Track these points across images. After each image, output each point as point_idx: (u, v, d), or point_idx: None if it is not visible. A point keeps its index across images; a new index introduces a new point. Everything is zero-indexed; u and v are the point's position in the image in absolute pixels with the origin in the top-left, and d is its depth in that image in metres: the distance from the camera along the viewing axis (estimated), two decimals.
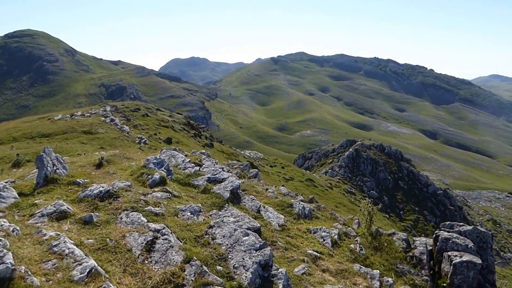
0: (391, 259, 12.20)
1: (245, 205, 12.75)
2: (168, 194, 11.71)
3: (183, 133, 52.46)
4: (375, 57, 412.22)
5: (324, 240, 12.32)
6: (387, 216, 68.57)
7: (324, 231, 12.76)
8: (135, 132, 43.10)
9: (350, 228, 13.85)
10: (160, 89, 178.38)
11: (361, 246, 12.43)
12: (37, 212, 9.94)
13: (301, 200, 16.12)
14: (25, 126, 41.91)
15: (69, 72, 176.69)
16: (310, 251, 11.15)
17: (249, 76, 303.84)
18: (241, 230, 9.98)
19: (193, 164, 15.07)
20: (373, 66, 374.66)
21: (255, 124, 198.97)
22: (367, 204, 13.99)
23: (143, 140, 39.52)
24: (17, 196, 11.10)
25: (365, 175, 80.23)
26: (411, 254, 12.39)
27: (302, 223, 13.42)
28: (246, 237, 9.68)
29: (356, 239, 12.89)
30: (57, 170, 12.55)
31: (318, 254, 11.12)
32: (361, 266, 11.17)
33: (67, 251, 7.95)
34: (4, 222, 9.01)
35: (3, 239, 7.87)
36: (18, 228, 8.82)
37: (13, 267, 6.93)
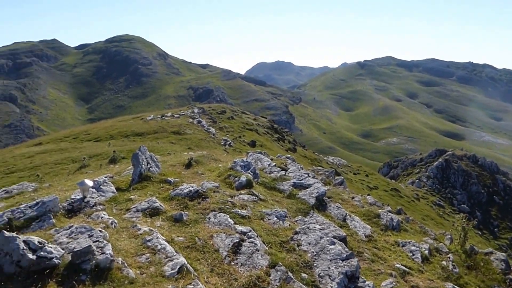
0: (487, 281, 11.36)
1: (330, 212, 12.55)
2: (254, 197, 11.85)
3: (267, 137, 53.01)
4: (469, 62, 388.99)
5: (413, 254, 11.77)
6: (480, 233, 64.22)
7: (414, 245, 12.20)
8: (221, 134, 44.28)
9: (441, 243, 13.11)
10: (245, 92, 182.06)
11: (454, 264, 11.71)
12: (132, 207, 10.50)
13: (389, 211, 15.56)
14: (120, 125, 44.71)
15: (161, 75, 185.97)
16: (398, 265, 10.69)
17: (334, 81, 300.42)
18: (327, 238, 9.83)
19: (278, 168, 15.14)
20: (467, 71, 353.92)
21: (338, 129, 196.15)
22: (461, 220, 13.16)
23: (228, 142, 40.46)
24: (115, 190, 11.82)
25: (455, 188, 75.88)
26: (511, 277, 11.46)
27: (390, 235, 12.93)
28: (332, 246, 9.50)
29: (448, 256, 12.17)
30: (150, 168, 13.20)
31: (407, 269, 10.62)
32: (454, 286, 10.51)
33: (159, 246, 8.30)
34: (104, 214, 9.63)
35: (103, 230, 8.41)
36: (116, 221, 9.38)
37: (112, 258, 7.37)
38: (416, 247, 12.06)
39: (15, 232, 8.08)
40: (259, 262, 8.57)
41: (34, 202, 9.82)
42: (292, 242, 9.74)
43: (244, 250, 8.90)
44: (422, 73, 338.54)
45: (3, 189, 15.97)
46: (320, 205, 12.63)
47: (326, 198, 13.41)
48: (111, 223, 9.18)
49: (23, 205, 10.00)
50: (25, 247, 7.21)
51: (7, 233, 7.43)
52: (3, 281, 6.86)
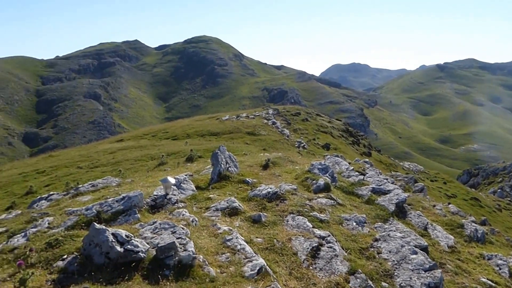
0: None
1: (411, 220, 12.00)
2: (332, 201, 11.60)
3: (341, 140, 52.07)
4: None
5: (500, 269, 10.98)
6: None
7: (501, 259, 11.38)
8: (295, 136, 44.10)
9: None
10: (319, 94, 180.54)
11: None
12: (212, 206, 10.65)
13: (473, 221, 14.68)
14: (197, 124, 45.89)
15: (236, 76, 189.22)
16: (483, 280, 10.00)
17: (411, 84, 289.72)
18: (409, 247, 9.39)
19: (356, 173, 14.75)
20: None
21: (415, 134, 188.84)
22: None
23: (302, 145, 40.20)
24: (194, 189, 12.07)
25: None
26: None
27: (474, 247, 12.16)
28: (414, 256, 9.07)
29: None
30: (229, 168, 13.35)
31: (494, 284, 9.92)
32: None
33: (239, 246, 8.32)
34: (185, 212, 9.84)
35: (185, 228, 8.58)
36: (196, 219, 9.55)
37: (194, 255, 7.48)
38: (503, 261, 11.27)
39: (103, 224, 8.46)
40: (338, 268, 8.35)
41: (121, 196, 10.24)
42: (372, 249, 9.41)
43: (323, 255, 8.72)
44: (507, 77, 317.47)
45: (89, 182, 16.90)
46: (400, 212, 12.14)
47: (406, 205, 12.87)
48: (192, 221, 9.35)
49: (110, 199, 10.46)
50: (113, 240, 7.51)
51: (97, 225, 7.78)
52: (93, 271, 7.18)
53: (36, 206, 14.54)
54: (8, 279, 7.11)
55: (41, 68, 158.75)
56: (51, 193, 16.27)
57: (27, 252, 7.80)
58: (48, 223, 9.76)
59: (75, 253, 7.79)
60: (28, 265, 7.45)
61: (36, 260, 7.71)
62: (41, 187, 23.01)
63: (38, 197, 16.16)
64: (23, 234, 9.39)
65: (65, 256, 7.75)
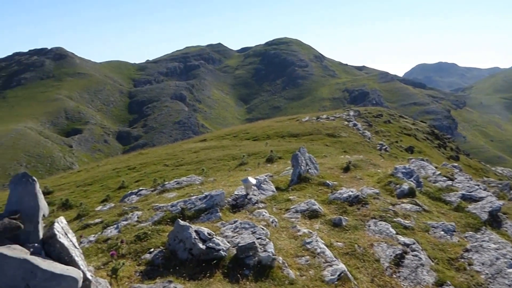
0: None
1: (506, 231, 11.17)
2: (417, 207, 11.12)
3: (426, 143, 49.83)
4: None
5: None
6: None
7: None
8: (376, 138, 42.92)
9: None
10: (403, 95, 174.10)
11: None
12: (291, 207, 10.66)
13: None
14: (277, 126, 46.20)
15: (317, 77, 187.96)
16: None
17: (505, 83, 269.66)
18: (505, 260, 8.76)
19: (444, 178, 14.01)
20: None
21: (509, 137, 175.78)
22: None
23: (384, 147, 39.01)
24: (274, 189, 12.15)
25: None
26: None
27: None
28: (511, 270, 8.43)
29: None
30: (309, 170, 13.29)
31: None
32: None
33: (318, 250, 8.25)
34: (265, 212, 9.94)
35: (265, 228, 8.66)
36: (276, 220, 9.61)
37: (273, 257, 7.53)
38: None
39: (187, 221, 8.79)
40: (424, 278, 7.99)
41: (203, 195, 10.58)
42: (462, 260, 8.89)
43: (407, 263, 8.39)
44: None
45: (175, 180, 17.63)
46: (494, 221, 11.33)
47: (501, 214, 11.99)
48: (272, 222, 9.42)
49: (194, 197, 10.85)
50: (196, 237, 7.77)
51: (181, 222, 8.10)
52: (177, 266, 7.49)
53: (127, 200, 15.44)
54: (102, 267, 7.62)
55: (134, 72, 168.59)
56: (140, 188, 17.19)
57: (119, 243, 8.31)
58: (138, 217, 10.33)
59: (161, 247, 8.18)
60: (119, 256, 7.94)
61: (126, 251, 8.20)
62: (131, 182, 24.36)
63: (129, 191, 17.14)
64: (115, 226, 10.02)
65: (152, 250, 8.16)
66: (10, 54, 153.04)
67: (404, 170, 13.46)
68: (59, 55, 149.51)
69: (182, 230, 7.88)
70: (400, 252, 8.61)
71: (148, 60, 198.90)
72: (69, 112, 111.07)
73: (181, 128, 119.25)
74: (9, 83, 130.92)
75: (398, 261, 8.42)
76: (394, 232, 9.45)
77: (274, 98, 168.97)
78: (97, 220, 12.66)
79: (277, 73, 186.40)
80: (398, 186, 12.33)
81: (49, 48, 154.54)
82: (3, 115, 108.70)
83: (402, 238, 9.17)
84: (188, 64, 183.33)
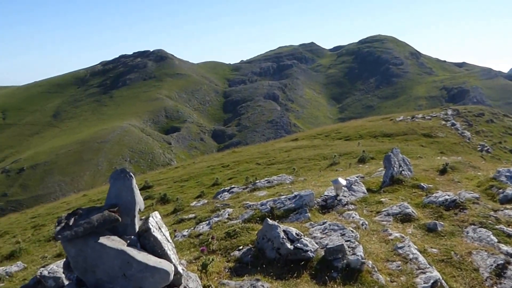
0: None
1: None
2: None
3: None
4: None
5: None
6: None
7: None
8: (477, 138, 40.12)
9: None
10: (508, 92, 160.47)
11: None
12: (383, 210, 10.30)
13: None
14: (369, 125, 44.95)
15: (412, 75, 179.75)
16: None
17: None
18: None
19: None
20: None
21: None
22: None
23: (486, 148, 36.37)
24: (365, 191, 11.82)
25: None
26: None
27: None
28: None
29: None
30: (402, 172, 12.75)
31: None
32: None
33: (411, 255, 7.88)
34: (355, 214, 9.71)
35: (354, 231, 8.46)
36: (366, 222, 9.34)
37: (362, 260, 7.33)
38: None
39: (276, 220, 8.84)
40: None
41: (293, 194, 10.58)
42: None
43: (510, 275, 7.72)
44: None
45: (266, 178, 17.86)
46: None
47: None
48: (362, 224, 9.17)
49: (283, 196, 10.89)
50: (284, 237, 7.79)
51: (270, 221, 8.16)
52: (265, 264, 7.56)
53: (220, 197, 15.92)
54: (194, 261, 7.93)
55: (228, 72, 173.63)
56: (233, 186, 17.65)
57: (210, 239, 8.60)
58: (228, 214, 10.61)
59: (249, 245, 8.32)
60: (210, 251, 8.21)
61: (216, 247, 8.46)
62: (225, 180, 25.08)
63: (222, 189, 17.67)
64: (207, 222, 10.38)
65: (241, 247, 8.33)
66: (117, 56, 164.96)
67: (508, 174, 12.40)
68: (160, 57, 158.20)
69: (270, 229, 7.95)
70: (502, 262, 7.95)
71: (242, 60, 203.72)
72: (168, 111, 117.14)
73: (274, 127, 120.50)
74: (116, 84, 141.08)
75: (499, 271, 7.77)
76: (496, 240, 8.74)
77: (367, 97, 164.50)
78: (191, 215, 13.22)
79: (371, 71, 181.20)
80: (501, 190, 11.39)
81: (151, 50, 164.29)
82: (111, 113, 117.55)
83: (504, 247, 8.45)
84: (281, 64, 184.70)
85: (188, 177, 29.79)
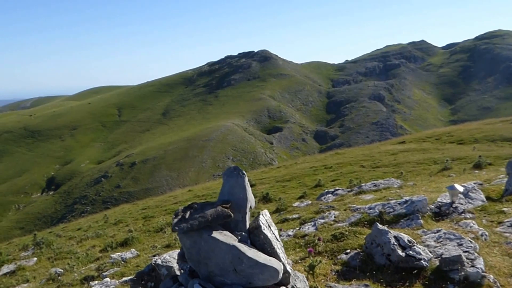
0: None
1: None
2: None
3: None
4: None
5: None
6: None
7: None
8: None
9: None
10: None
11: None
12: (505, 221, 9.41)
13: None
14: (486, 128, 41.62)
15: None
16: None
17: None
18: None
19: None
20: None
21: None
22: None
23: None
24: (484, 199, 10.91)
25: None
26: None
27: None
28: None
29: None
30: None
31: None
32: None
33: None
34: (473, 224, 8.99)
35: (473, 241, 7.82)
36: (486, 233, 8.60)
37: (483, 274, 6.75)
38: None
39: (385, 226, 8.49)
40: None
41: (403, 199, 10.09)
42: None
43: None
44: None
45: (372, 182, 17.30)
46: None
47: None
48: (481, 235, 8.46)
49: (393, 201, 10.43)
50: (395, 243, 7.44)
51: (380, 226, 7.85)
52: (374, 270, 7.29)
53: (323, 198, 15.75)
54: (299, 261, 7.89)
55: (332, 72, 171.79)
56: (337, 188, 17.37)
57: (316, 241, 8.50)
58: (334, 217, 10.42)
59: (357, 249, 8.08)
60: (316, 253, 8.11)
61: (322, 249, 8.34)
62: (327, 181, 24.80)
63: (325, 190, 17.47)
64: (312, 223, 10.29)
65: (348, 250, 8.12)
66: (223, 57, 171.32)
67: None
68: (264, 57, 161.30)
69: (380, 235, 7.65)
70: None
71: (347, 60, 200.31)
72: (271, 111, 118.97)
73: (378, 129, 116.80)
74: (221, 84, 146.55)
75: None
76: None
77: (484, 97, 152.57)
78: (294, 216, 13.23)
79: (488, 70, 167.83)
80: None
81: (255, 51, 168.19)
82: (215, 112, 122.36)
83: None
84: (388, 63, 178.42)
85: (290, 177, 29.91)
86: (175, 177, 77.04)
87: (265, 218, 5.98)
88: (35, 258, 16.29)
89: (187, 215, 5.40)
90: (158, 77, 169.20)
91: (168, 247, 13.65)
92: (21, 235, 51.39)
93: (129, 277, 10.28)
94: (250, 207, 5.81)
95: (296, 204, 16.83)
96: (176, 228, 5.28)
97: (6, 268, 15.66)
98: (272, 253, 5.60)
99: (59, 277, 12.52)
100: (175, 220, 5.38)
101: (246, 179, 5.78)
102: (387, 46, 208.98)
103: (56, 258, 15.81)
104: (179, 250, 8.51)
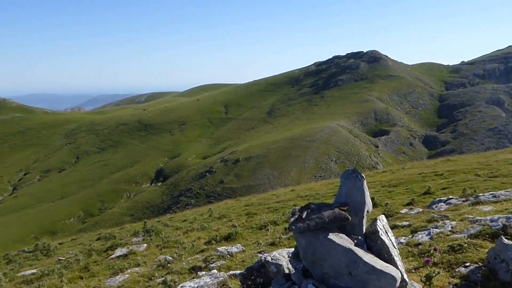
0: None
1: None
2: None
3: None
4: None
5: None
6: None
7: None
8: None
9: None
10: None
11: None
12: None
13: None
14: None
15: None
16: None
17: None
18: None
19: None
20: None
21: None
22: None
23: None
24: None
25: None
26: None
27: None
28: None
29: None
30: None
31: None
32: None
33: None
34: None
35: None
36: None
37: None
38: None
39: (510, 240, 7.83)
40: None
41: None
42: None
43: None
44: None
45: (490, 192, 16.05)
46: None
47: None
48: None
49: None
50: None
51: (505, 240, 7.26)
52: (497, 287, 6.77)
53: (435, 207, 14.95)
54: (413, 271, 7.57)
55: (446, 74, 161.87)
56: (450, 197, 16.39)
57: (431, 251, 8.09)
58: (451, 227, 9.84)
59: (478, 263, 7.56)
60: (433, 264, 7.72)
61: (438, 260, 7.92)
62: (437, 189, 23.48)
63: (437, 198, 16.57)
64: (426, 232, 9.81)
65: (468, 264, 7.62)
66: (330, 57, 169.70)
67: None
68: (373, 58, 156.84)
69: (506, 250, 7.07)
70: None
71: (463, 61, 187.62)
72: (378, 113, 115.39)
73: (496, 135, 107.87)
74: (327, 84, 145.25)
75: None
76: None
77: None
78: (404, 223, 12.72)
79: None
80: None
81: (364, 51, 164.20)
82: (320, 112, 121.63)
83: None
84: (510, 65, 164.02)
85: (397, 183, 28.74)
86: (277, 176, 77.98)
87: (382, 223, 5.83)
88: (145, 245, 17.40)
89: (303, 215, 5.45)
90: (264, 76, 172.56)
91: (273, 245, 13.81)
92: (131, 221, 55.68)
93: (237, 271, 10.60)
94: (367, 211, 5.70)
95: (404, 211, 16.17)
96: (293, 227, 5.35)
97: (119, 251, 16.94)
98: (389, 259, 5.44)
99: (169, 264, 13.23)
100: (292, 219, 5.45)
101: (365, 182, 5.68)
102: (510, 46, 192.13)
103: (164, 246, 16.70)
104: (286, 249, 8.63)
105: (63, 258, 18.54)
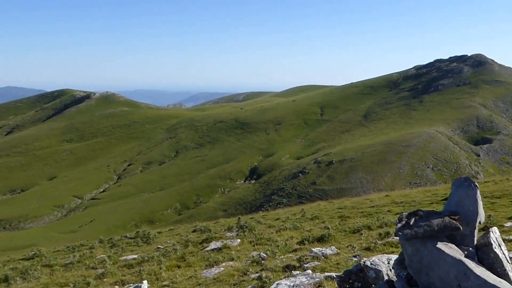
0: None
1: None
2: None
3: None
4: None
5: None
6: None
7: None
8: None
9: None
10: None
11: None
12: None
13: None
14: None
15: None
16: None
17: None
18: None
19: None
20: None
21: None
22: None
23: None
24: None
25: None
26: None
27: None
28: None
29: None
30: None
31: None
32: None
33: None
34: None
35: None
36: None
37: None
38: None
39: None
40: None
41: None
42: None
43: None
44: None
45: None
46: None
47: None
48: None
49: None
50: None
51: None
52: None
53: None
54: None
55: None
56: None
57: None
58: None
59: None
60: None
61: None
62: None
63: None
64: None
65: None
66: (431, 61, 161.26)
67: None
68: (478, 62, 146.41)
69: None
70: None
71: None
72: (480, 120, 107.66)
73: None
74: (427, 88, 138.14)
75: None
76: None
77: None
78: (511, 237, 11.92)
79: None
80: None
81: (468, 55, 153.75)
82: (419, 117, 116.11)
83: None
84: None
85: (501, 194, 26.66)
86: (370, 180, 75.99)
87: (495, 236, 5.54)
88: (239, 240, 17.85)
89: (411, 222, 5.35)
90: (362, 79, 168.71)
91: (368, 250, 13.55)
92: (224, 216, 57.44)
93: (332, 273, 10.58)
94: (479, 222, 5.46)
95: (508, 224, 15.08)
96: (400, 233, 5.28)
97: (213, 245, 17.56)
98: (503, 274, 5.17)
99: (262, 261, 13.49)
100: (399, 225, 5.38)
101: (478, 191, 5.44)
102: None
103: (257, 243, 16.99)
104: (386, 255, 8.49)
105: (161, 247, 19.68)
